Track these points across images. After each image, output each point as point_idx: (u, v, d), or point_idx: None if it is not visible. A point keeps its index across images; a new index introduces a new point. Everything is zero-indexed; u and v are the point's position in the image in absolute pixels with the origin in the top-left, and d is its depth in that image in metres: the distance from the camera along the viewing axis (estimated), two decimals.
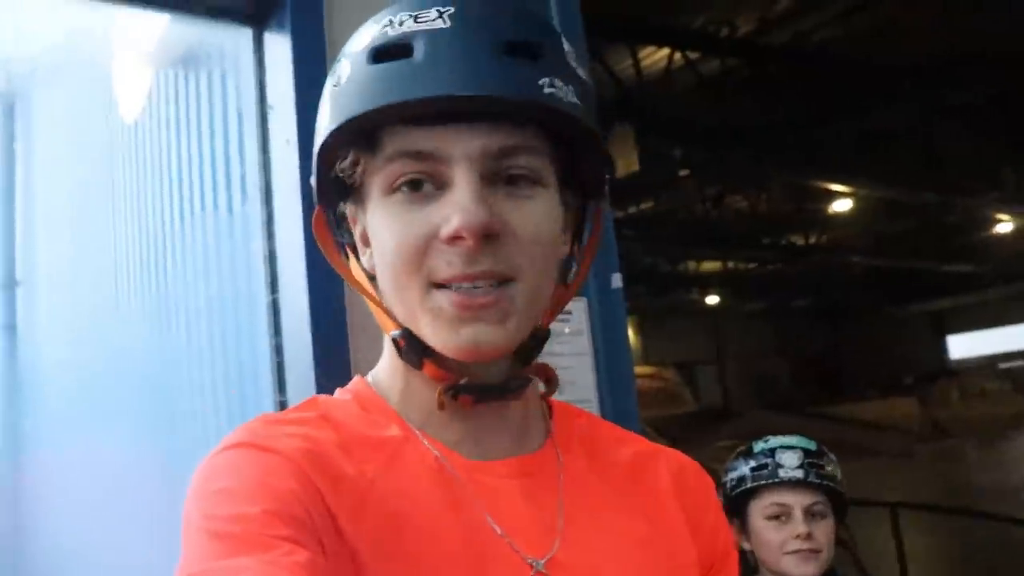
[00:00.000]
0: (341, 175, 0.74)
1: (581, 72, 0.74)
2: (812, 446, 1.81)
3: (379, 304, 0.76)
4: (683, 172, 11.74)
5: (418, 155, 0.69)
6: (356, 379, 0.82)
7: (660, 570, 0.77)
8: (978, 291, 21.74)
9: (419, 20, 0.69)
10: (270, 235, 1.46)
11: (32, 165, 2.87)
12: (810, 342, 23.59)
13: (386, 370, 0.79)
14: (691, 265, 19.51)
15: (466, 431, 0.76)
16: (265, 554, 0.59)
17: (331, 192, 0.77)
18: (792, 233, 16.76)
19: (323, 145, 0.73)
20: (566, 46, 0.74)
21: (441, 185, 0.69)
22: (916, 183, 11.83)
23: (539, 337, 0.75)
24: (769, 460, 1.78)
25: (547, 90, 0.69)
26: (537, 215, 0.71)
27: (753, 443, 1.86)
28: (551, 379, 0.80)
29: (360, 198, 0.75)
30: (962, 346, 24.36)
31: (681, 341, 21.64)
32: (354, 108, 0.69)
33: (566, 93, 0.70)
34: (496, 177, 0.70)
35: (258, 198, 1.48)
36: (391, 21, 0.70)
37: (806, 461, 1.77)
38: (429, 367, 0.73)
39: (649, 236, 15.19)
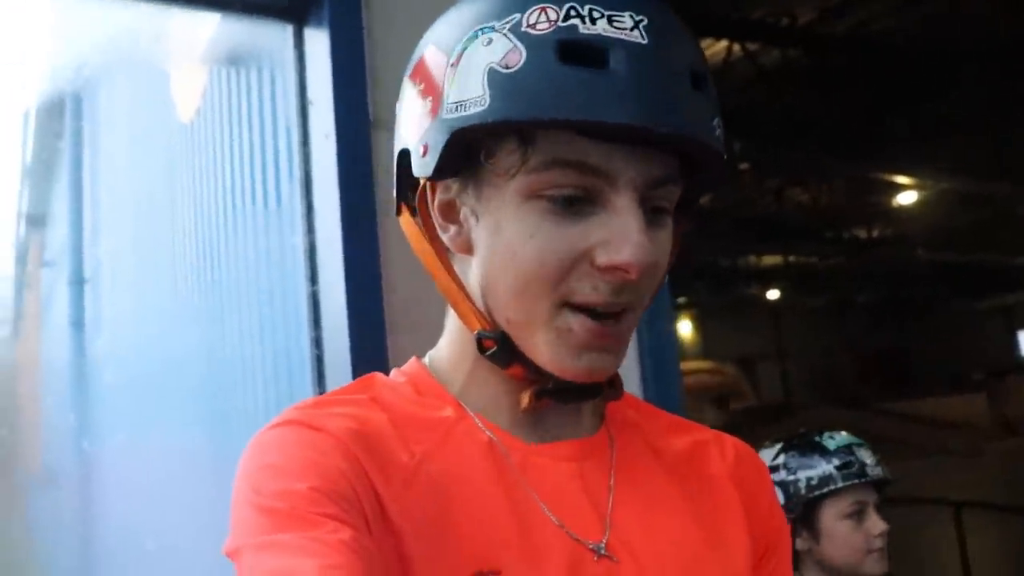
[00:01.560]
0: (481, 159, 0.68)
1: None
2: (864, 442, 1.79)
3: (469, 298, 0.73)
4: (743, 165, 11.57)
5: (582, 167, 0.65)
6: (412, 361, 0.81)
7: (713, 556, 0.76)
8: None
9: (615, 24, 0.63)
10: (310, 228, 1.48)
11: (97, 166, 2.95)
12: (875, 338, 23.08)
13: (448, 357, 0.78)
14: (752, 260, 19.24)
15: (525, 417, 0.75)
16: (310, 531, 0.60)
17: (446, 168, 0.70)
18: (855, 227, 16.41)
19: (475, 126, 0.65)
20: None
21: (595, 201, 0.66)
22: (982, 173, 11.50)
23: None
24: (852, 458, 1.74)
25: (717, 131, 0.67)
26: (666, 247, 0.70)
27: (816, 438, 1.80)
28: (617, 385, 0.79)
29: (481, 184, 0.70)
30: None
31: (742, 336, 21.35)
32: (540, 109, 0.62)
33: (721, 132, 0.68)
34: (647, 206, 0.67)
35: (298, 192, 1.50)
36: (580, 14, 0.64)
37: (877, 458, 1.75)
38: (516, 369, 0.72)
39: (709, 231, 15.01)
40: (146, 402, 2.42)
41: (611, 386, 0.77)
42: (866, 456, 1.73)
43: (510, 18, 0.65)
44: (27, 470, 2.65)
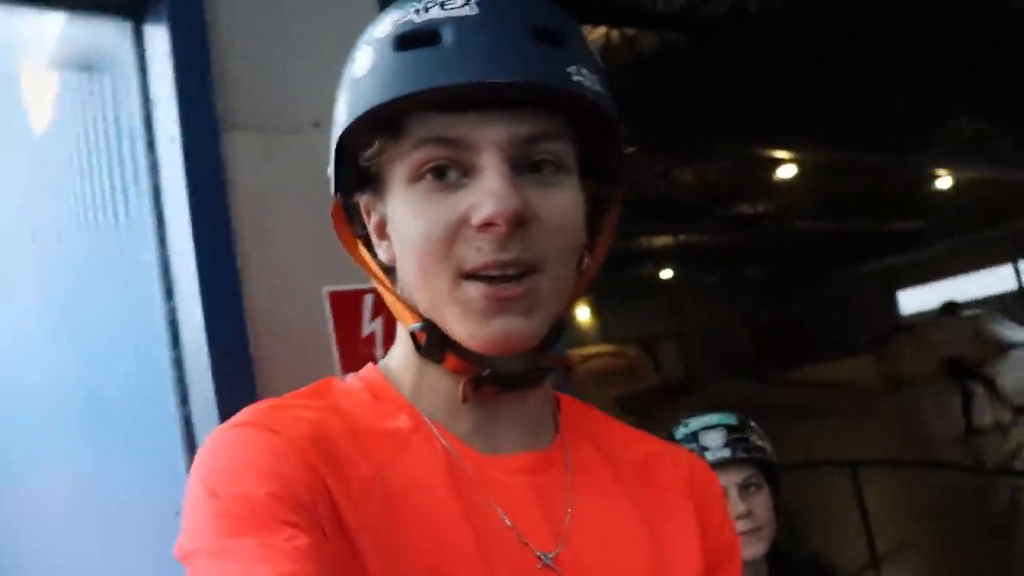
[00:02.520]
0: (364, 164, 0.73)
1: (598, 59, 0.74)
2: (733, 421, 1.77)
3: (398, 297, 0.75)
4: (630, 149, 11.74)
5: (444, 141, 0.69)
6: (368, 366, 0.81)
7: (665, 568, 0.77)
8: (924, 247, 22.16)
9: (446, 7, 0.69)
10: (162, 241, 1.37)
11: None
12: (767, 310, 23.82)
13: (399, 361, 0.79)
14: (644, 241, 19.57)
15: (479, 423, 0.76)
16: (267, 537, 0.60)
17: (348, 183, 0.76)
18: (741, 203, 16.88)
19: (343, 135, 0.72)
20: (583, 32, 0.74)
21: (467, 172, 0.69)
22: (856, 145, 11.96)
23: (558, 327, 0.75)
24: (693, 445, 1.73)
25: (575, 77, 0.69)
26: (563, 202, 0.71)
27: (673, 429, 1.81)
28: (569, 368, 0.76)
29: (379, 188, 0.74)
30: (914, 301, 24.80)
31: (640, 317, 21.71)
32: (380, 96, 0.68)
33: (592, 81, 0.70)
34: (522, 164, 0.70)
35: (146, 202, 1.39)
36: (416, 8, 0.69)
37: (731, 438, 1.72)
38: (451, 360, 0.73)
39: None
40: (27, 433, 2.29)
41: (566, 372, 0.76)
42: (712, 440, 1.72)
43: (367, 33, 0.73)
44: None
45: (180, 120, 1.31)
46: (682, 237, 19.39)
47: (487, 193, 0.67)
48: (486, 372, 0.73)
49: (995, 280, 23.02)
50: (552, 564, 0.72)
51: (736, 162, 14.21)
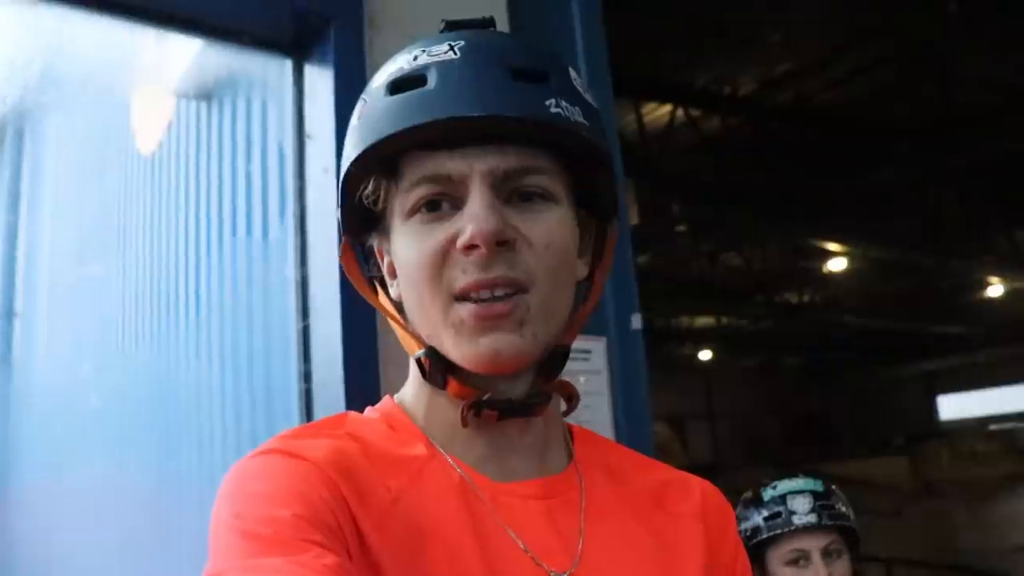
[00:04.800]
0: (365, 202, 0.78)
1: (588, 97, 0.78)
2: (819, 487, 1.83)
3: (404, 327, 0.79)
4: (680, 227, 11.80)
5: (436, 179, 0.74)
6: (385, 399, 0.85)
7: None
8: (968, 353, 21.78)
9: (432, 54, 0.74)
10: (303, 262, 1.47)
11: (39, 192, 2.86)
12: (801, 400, 23.49)
13: (411, 391, 0.82)
14: (684, 320, 19.49)
15: (490, 451, 0.78)
16: (295, 556, 0.60)
17: (358, 224, 0.82)
18: (787, 291, 16.79)
19: (346, 175, 0.77)
20: (572, 74, 0.78)
21: (457, 204, 0.74)
22: (910, 245, 11.90)
23: (559, 354, 0.78)
24: (781, 508, 1.78)
25: (553, 110, 0.73)
26: (549, 224, 0.75)
27: (761, 490, 1.86)
28: (572, 396, 0.82)
29: (384, 228, 0.79)
30: (952, 407, 24.31)
31: (673, 395, 21.51)
32: (373, 136, 0.74)
33: (572, 113, 0.74)
34: (510, 195, 0.74)
35: (292, 225, 1.49)
36: (407, 58, 0.76)
37: (816, 504, 1.77)
38: (453, 385, 0.76)
39: (644, 290, 15.16)
40: (78, 445, 2.34)
41: (569, 400, 0.82)
42: (799, 505, 1.78)
43: (368, 85, 0.79)
44: None
45: (336, 153, 1.42)
46: (724, 320, 19.27)
47: (469, 218, 0.72)
48: (485, 397, 0.76)
49: None
50: None
51: (785, 250, 14.18)
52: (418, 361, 0.78)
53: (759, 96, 9.06)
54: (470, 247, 0.71)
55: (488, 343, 0.72)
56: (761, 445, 21.08)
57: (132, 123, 2.39)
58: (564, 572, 0.74)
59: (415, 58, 0.75)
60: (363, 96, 0.78)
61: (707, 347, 21.46)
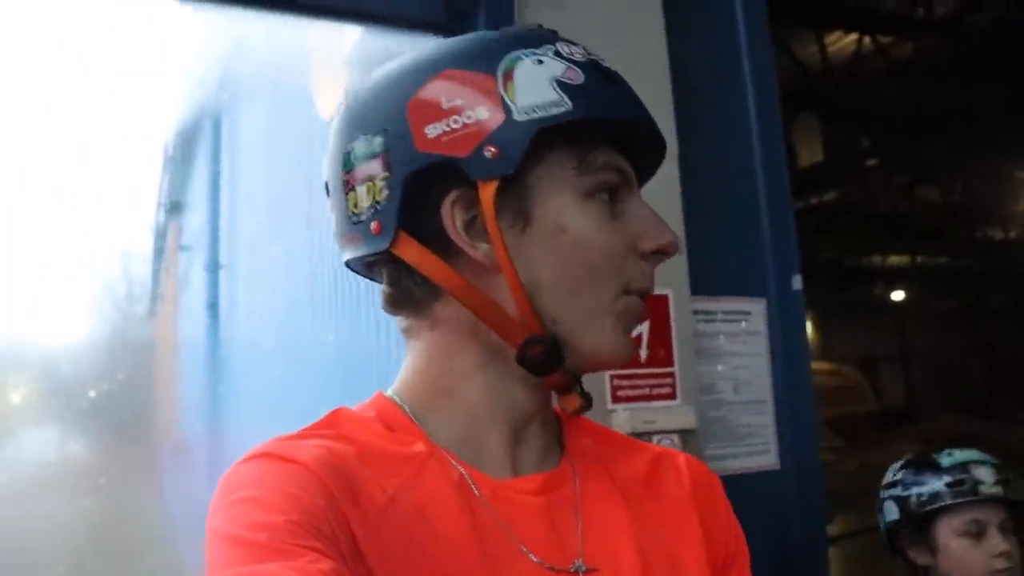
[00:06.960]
0: (487, 154, 0.70)
1: None
2: (996, 460, 1.75)
3: (504, 312, 0.73)
4: (871, 162, 11.20)
5: (619, 170, 0.77)
6: (377, 395, 0.82)
7: None
8: None
9: (592, 54, 0.78)
10: None
11: (236, 159, 3.08)
12: (1009, 344, 21.97)
13: (417, 388, 0.79)
14: (876, 259, 18.58)
15: (494, 450, 0.77)
16: (290, 561, 0.59)
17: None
18: (989, 226, 15.66)
19: (564, 123, 0.71)
20: None
21: (621, 201, 0.77)
22: None
23: None
24: (966, 476, 1.71)
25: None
26: None
27: (935, 456, 1.80)
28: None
29: (531, 191, 0.73)
30: None
31: (865, 338, 20.65)
32: (609, 110, 0.74)
33: None
34: None
35: None
36: (584, 49, 0.77)
37: (1000, 477, 1.71)
38: (557, 376, 0.76)
39: (833, 228, 14.57)
40: (276, 383, 2.53)
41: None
42: (984, 474, 1.70)
43: (546, 47, 0.74)
44: (162, 441, 2.76)
45: None
46: (919, 258, 18.23)
47: (653, 225, 0.76)
48: (578, 389, 0.79)
49: None
50: (584, 569, 0.74)
51: (987, 183, 13.19)
52: (527, 344, 0.73)
53: (957, 16, 8.42)
54: (659, 252, 0.76)
55: (630, 340, 0.78)
56: (961, 390, 19.91)
57: (312, 97, 2.53)
58: (563, 568, 0.74)
59: (591, 53, 0.78)
60: (552, 58, 0.73)
61: (901, 287, 20.38)
